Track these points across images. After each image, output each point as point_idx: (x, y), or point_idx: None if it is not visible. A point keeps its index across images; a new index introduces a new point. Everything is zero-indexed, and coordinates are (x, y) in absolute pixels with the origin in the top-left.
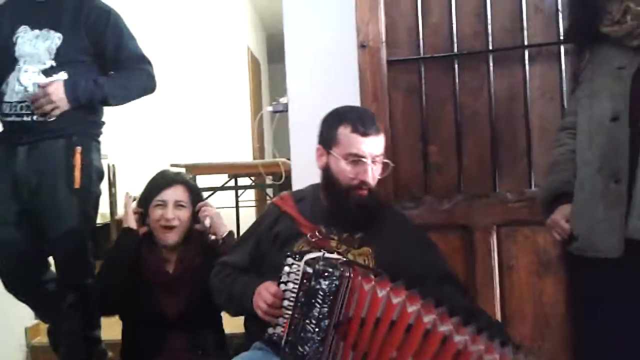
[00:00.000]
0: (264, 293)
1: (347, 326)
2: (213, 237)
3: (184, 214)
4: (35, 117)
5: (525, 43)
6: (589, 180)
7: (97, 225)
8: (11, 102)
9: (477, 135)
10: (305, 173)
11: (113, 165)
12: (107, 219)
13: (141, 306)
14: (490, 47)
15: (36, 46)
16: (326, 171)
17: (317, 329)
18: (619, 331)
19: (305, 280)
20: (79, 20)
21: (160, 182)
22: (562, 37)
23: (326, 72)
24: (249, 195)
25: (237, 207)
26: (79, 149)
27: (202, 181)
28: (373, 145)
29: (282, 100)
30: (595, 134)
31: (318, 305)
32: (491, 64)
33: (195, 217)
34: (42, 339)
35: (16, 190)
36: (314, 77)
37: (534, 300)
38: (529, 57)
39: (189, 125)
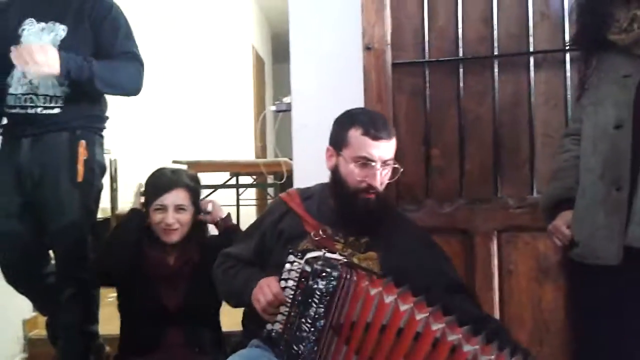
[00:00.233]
0: (266, 289)
1: (349, 329)
2: (210, 220)
3: (185, 216)
4: (39, 110)
5: (531, 49)
6: (591, 187)
7: (98, 219)
8: (16, 94)
9: (480, 140)
10: (307, 173)
11: (115, 160)
12: (108, 214)
13: (142, 298)
14: (496, 53)
15: (42, 38)
16: (335, 172)
17: (312, 329)
18: (617, 338)
19: (303, 279)
20: (83, 13)
21: (160, 185)
22: (567, 44)
23: (331, 73)
24: (250, 194)
25: (237, 205)
26: (82, 142)
27: (204, 179)
28: (383, 150)
29: (286, 99)
30: (598, 141)
31: (314, 305)
32: (496, 70)
33: (197, 211)
34: (40, 331)
35: (19, 182)
36: (318, 77)
37: (533, 306)
38: (534, 63)
39: (191, 122)
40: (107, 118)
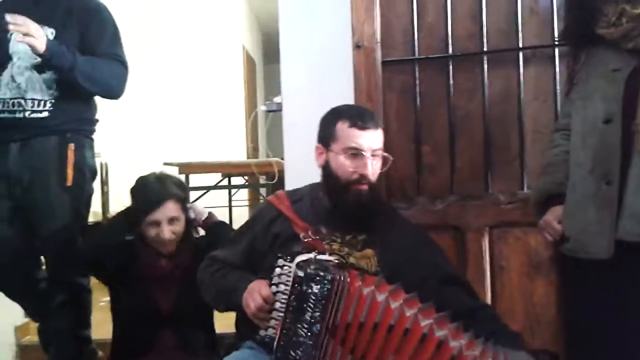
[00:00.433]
0: (256, 294)
1: (344, 330)
2: (196, 224)
3: (179, 227)
4: (27, 114)
5: (520, 45)
6: (581, 181)
7: (89, 223)
8: (4, 99)
9: (470, 136)
10: (298, 172)
11: (106, 164)
12: (99, 218)
13: (135, 300)
14: (485, 49)
15: None
16: (326, 168)
17: (309, 334)
18: (609, 331)
19: (296, 285)
20: (71, 15)
21: (149, 200)
22: (556, 40)
23: (321, 72)
24: (242, 195)
25: (230, 206)
26: (72, 146)
27: (195, 180)
28: (372, 139)
29: (276, 99)
30: (588, 136)
31: (310, 310)
32: (485, 66)
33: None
34: (32, 337)
35: (8, 187)
36: (308, 76)
37: (525, 301)
38: (524, 59)
39: (182, 124)
40: (96, 121)
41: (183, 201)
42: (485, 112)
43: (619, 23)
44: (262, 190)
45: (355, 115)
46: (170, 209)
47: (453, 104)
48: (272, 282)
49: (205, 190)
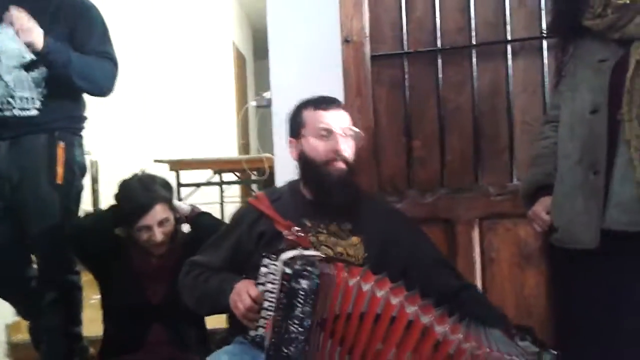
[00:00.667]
0: (244, 295)
1: (333, 323)
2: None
3: (169, 227)
4: (16, 112)
5: (508, 38)
6: (569, 172)
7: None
8: None
9: (460, 129)
10: (288, 168)
11: (96, 162)
12: None
13: (126, 293)
14: (474, 42)
15: (17, 41)
16: (301, 157)
17: (300, 329)
18: (598, 320)
19: (284, 282)
20: (59, 14)
21: (137, 206)
22: (544, 32)
23: (310, 67)
24: (234, 191)
25: (221, 202)
26: (61, 144)
27: (186, 177)
28: (339, 118)
29: (266, 95)
30: (576, 127)
31: (300, 305)
32: (474, 59)
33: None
34: (23, 336)
35: None
36: (297, 71)
37: (516, 292)
38: (512, 51)
39: (173, 121)
40: (85, 118)
41: (170, 201)
42: (475, 105)
43: (604, 14)
44: (254, 187)
45: (317, 99)
46: (159, 211)
47: (442, 97)
48: (259, 281)
49: (196, 187)
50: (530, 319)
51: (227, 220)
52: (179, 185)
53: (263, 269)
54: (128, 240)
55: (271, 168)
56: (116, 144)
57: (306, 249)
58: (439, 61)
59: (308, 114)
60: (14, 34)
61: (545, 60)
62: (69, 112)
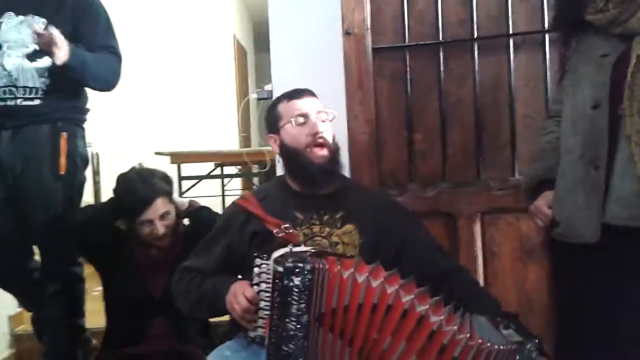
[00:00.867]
0: (240, 297)
1: (331, 316)
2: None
3: (170, 220)
4: (19, 102)
5: (511, 31)
6: (570, 167)
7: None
8: None
9: (461, 123)
10: None
11: (97, 154)
12: None
13: (127, 287)
14: (476, 35)
15: (20, 31)
16: (282, 149)
17: (298, 326)
18: (598, 314)
19: (277, 280)
20: (63, 5)
21: (138, 201)
22: (547, 26)
23: (311, 60)
24: (235, 184)
25: (223, 195)
26: (64, 134)
27: (188, 169)
28: (312, 103)
29: (267, 87)
30: (578, 122)
31: (295, 302)
32: (476, 52)
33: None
34: (26, 327)
35: (0, 175)
36: (299, 64)
37: (518, 287)
38: (514, 45)
39: (174, 114)
40: (88, 110)
41: (170, 194)
42: (476, 99)
43: (606, 9)
44: (255, 179)
45: (290, 92)
46: (160, 205)
47: (444, 90)
48: (253, 282)
49: (197, 180)
50: (532, 313)
51: None
52: (180, 178)
53: (256, 269)
54: (129, 233)
55: (272, 161)
56: (117, 136)
57: (296, 245)
58: (441, 54)
59: (283, 106)
60: (17, 23)
61: (548, 55)
62: (72, 103)
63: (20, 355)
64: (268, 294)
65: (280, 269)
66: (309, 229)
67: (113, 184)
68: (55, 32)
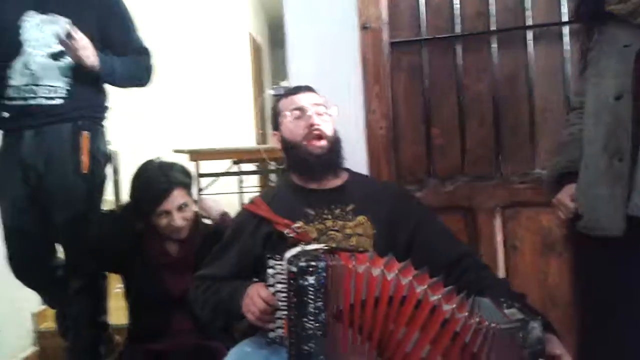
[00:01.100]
0: (256, 298)
1: (349, 312)
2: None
3: (189, 212)
4: (41, 101)
5: (529, 23)
6: (594, 158)
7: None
8: (17, 86)
9: (480, 117)
10: None
11: (116, 152)
12: (112, 205)
13: (147, 287)
14: (493, 28)
15: (43, 30)
16: (283, 144)
17: (316, 324)
18: (624, 307)
19: (292, 281)
20: (86, 6)
21: (156, 192)
22: (565, 18)
23: (328, 55)
24: (253, 181)
25: (240, 192)
26: (85, 133)
27: (205, 167)
28: (309, 98)
29: (284, 83)
30: (601, 113)
31: (311, 301)
32: (494, 45)
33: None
34: (49, 324)
35: (23, 175)
36: (315, 59)
37: (539, 281)
38: (532, 37)
39: (191, 111)
40: (108, 108)
41: (188, 186)
42: (495, 92)
43: None
44: (272, 176)
45: (291, 88)
46: (178, 196)
47: (462, 84)
48: (268, 283)
49: (215, 177)
50: (554, 307)
51: None
52: (199, 175)
53: (270, 271)
54: (147, 233)
55: None
56: (136, 134)
57: (308, 243)
58: (458, 47)
59: (282, 103)
60: (39, 22)
61: (566, 47)
62: (93, 102)
63: (44, 352)
64: (284, 295)
65: (294, 269)
66: (322, 224)
67: None
68: (78, 36)
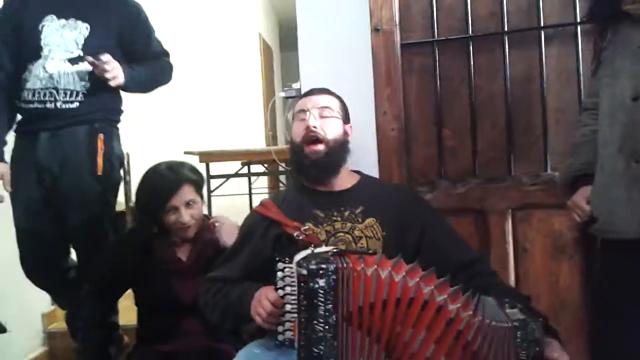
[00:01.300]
0: (264, 301)
1: (358, 315)
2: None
3: (197, 210)
4: (59, 105)
5: (541, 24)
6: (610, 160)
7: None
8: (34, 89)
9: (492, 118)
10: None
11: (127, 154)
12: (123, 207)
13: (155, 293)
14: (506, 29)
15: (63, 35)
16: (290, 146)
17: (326, 327)
18: (635, 312)
19: (302, 283)
20: (107, 13)
21: (164, 188)
22: (578, 18)
23: (339, 56)
24: (262, 182)
25: (250, 194)
26: (101, 135)
27: (216, 168)
28: (316, 100)
29: (295, 85)
30: (616, 114)
31: (322, 304)
32: (507, 46)
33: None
34: (59, 324)
35: (38, 177)
36: (327, 61)
37: (550, 284)
38: (545, 38)
39: (201, 113)
40: (122, 111)
41: (197, 183)
42: (507, 93)
43: None
44: (282, 178)
45: (307, 91)
46: (186, 192)
47: (474, 85)
48: (277, 286)
49: (225, 179)
50: (565, 311)
51: None
52: (209, 177)
53: (279, 274)
54: (156, 239)
55: None
56: (147, 136)
57: (318, 246)
58: (470, 48)
59: (296, 104)
60: (59, 27)
61: (580, 47)
62: (108, 105)
63: (54, 353)
64: (293, 297)
65: (304, 271)
66: (331, 226)
67: None
68: (106, 59)
